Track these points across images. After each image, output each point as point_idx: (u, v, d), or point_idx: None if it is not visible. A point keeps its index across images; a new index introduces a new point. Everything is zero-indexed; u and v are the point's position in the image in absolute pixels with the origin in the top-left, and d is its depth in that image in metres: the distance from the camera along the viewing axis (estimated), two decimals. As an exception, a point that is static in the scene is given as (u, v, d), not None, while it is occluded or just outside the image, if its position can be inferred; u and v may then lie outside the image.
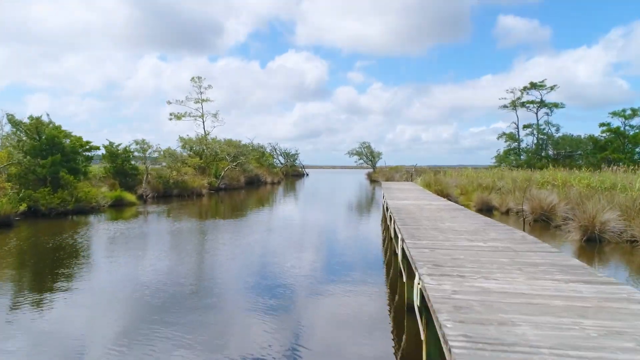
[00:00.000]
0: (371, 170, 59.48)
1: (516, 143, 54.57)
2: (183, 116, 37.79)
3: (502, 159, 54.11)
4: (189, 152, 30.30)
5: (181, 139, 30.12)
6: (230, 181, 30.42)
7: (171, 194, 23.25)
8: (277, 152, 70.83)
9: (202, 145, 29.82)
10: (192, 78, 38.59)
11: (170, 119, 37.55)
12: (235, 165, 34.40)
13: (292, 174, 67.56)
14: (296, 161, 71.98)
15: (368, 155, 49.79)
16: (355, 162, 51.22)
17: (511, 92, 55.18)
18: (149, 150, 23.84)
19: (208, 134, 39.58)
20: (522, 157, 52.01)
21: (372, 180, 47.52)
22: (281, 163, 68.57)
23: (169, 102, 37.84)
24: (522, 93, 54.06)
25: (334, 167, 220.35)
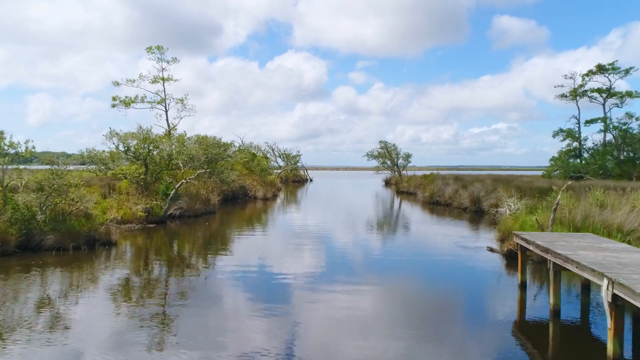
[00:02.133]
0: (390, 174, 46.86)
1: (576, 142, 42.30)
2: (133, 102, 25.51)
3: (560, 162, 41.83)
4: (126, 152, 17.89)
5: (112, 132, 17.70)
6: (192, 202, 18.16)
7: (39, 246, 10.90)
8: (276, 153, 58.51)
9: (145, 145, 17.50)
10: (149, 48, 26.30)
11: (115, 106, 25.31)
12: (209, 176, 22.15)
13: (293, 180, 55.20)
14: (298, 163, 59.66)
15: (393, 157, 37.55)
16: (378, 166, 38.71)
17: (570, 77, 42.90)
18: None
19: (174, 128, 27.32)
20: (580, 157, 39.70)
21: (399, 190, 35.24)
22: (280, 166, 56.27)
23: (117, 84, 25.73)
24: (586, 79, 41.81)
25: (336, 169, 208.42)
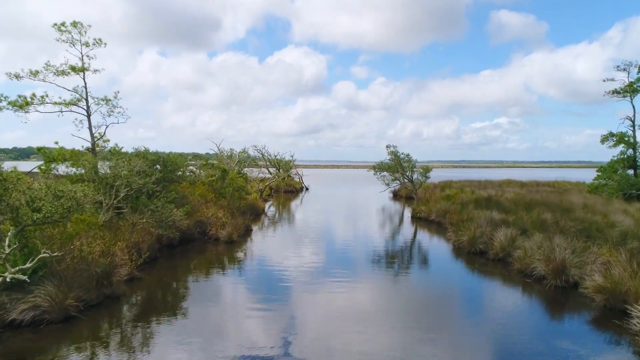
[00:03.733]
0: (397, 184, 38.51)
1: (631, 149, 33.84)
2: (31, 103, 17.12)
3: (611, 172, 33.60)
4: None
5: None
6: (66, 289, 9.76)
7: None
8: (266, 158, 50.19)
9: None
10: (60, 24, 17.84)
11: (3, 109, 16.92)
12: (140, 216, 13.96)
13: (285, 190, 46.80)
14: (291, 170, 51.29)
15: (406, 171, 28.58)
16: (388, 181, 29.49)
17: (624, 69, 34.35)
18: None
19: (100, 137, 18.93)
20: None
21: (416, 215, 26.72)
22: (270, 173, 47.90)
23: (17, 77, 17.31)
24: (644, 71, 33.21)
25: (337, 166, 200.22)
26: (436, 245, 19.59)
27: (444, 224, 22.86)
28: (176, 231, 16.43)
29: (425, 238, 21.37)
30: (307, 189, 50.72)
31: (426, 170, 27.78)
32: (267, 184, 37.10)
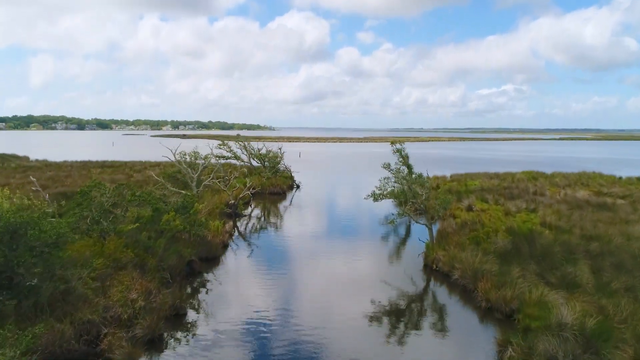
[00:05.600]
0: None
1: None
2: None
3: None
4: None
5: None
6: None
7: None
8: (248, 152, 42.20)
9: None
10: None
11: None
12: None
13: (270, 192, 38.93)
14: (279, 165, 43.27)
15: (419, 199, 20.09)
16: (394, 217, 20.88)
17: None
18: None
19: None
20: None
21: (431, 264, 18.46)
22: (253, 167, 40.09)
23: None
24: None
25: (340, 140, 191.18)
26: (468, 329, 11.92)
27: (476, 295, 15.11)
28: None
29: (447, 339, 13.54)
30: (297, 187, 42.87)
31: (445, 200, 19.68)
32: (240, 194, 29.24)
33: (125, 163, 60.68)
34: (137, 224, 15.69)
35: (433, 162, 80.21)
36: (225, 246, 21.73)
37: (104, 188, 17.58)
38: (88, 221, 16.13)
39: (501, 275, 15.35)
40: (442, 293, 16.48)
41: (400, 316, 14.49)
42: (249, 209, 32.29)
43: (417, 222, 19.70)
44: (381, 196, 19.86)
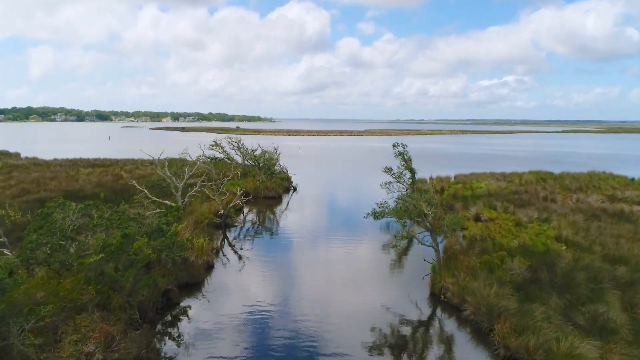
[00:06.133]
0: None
1: None
2: None
3: None
4: None
5: None
6: None
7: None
8: (242, 153, 40.06)
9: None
10: None
11: None
12: None
13: (264, 196, 36.74)
14: (275, 167, 41.08)
15: (426, 219, 17.87)
16: (396, 240, 18.70)
17: None
18: None
19: None
20: None
21: (438, 294, 16.25)
22: (245, 166, 38.00)
23: None
24: None
25: (342, 133, 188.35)
26: None
27: (492, 339, 13.01)
28: None
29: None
30: (295, 189, 40.72)
31: (454, 221, 17.45)
32: (230, 204, 27.09)
33: (117, 161, 58.50)
34: (101, 255, 13.55)
35: (435, 158, 77.96)
36: (210, 267, 19.64)
37: (68, 209, 15.43)
38: (47, 249, 13.99)
39: (521, 316, 13.23)
40: (451, 331, 14.38)
41: (405, 366, 12.38)
42: (242, 216, 30.19)
43: (422, 243, 17.50)
44: (382, 214, 17.62)
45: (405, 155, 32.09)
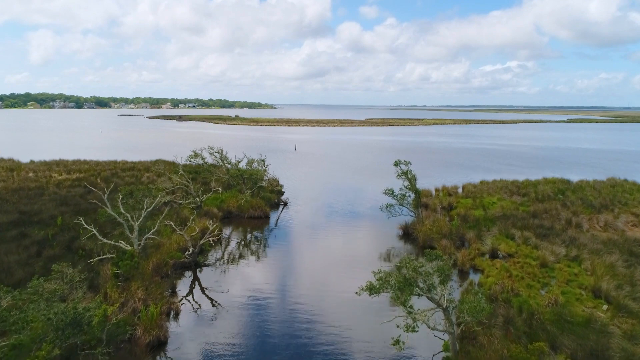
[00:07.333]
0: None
1: None
2: None
3: None
4: None
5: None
6: None
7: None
8: (224, 164, 35.67)
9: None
10: None
11: None
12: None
13: (249, 216, 32.28)
14: (264, 178, 36.56)
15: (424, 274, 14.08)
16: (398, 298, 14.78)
17: None
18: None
19: None
20: None
21: None
22: (227, 178, 33.63)
23: None
24: None
25: (344, 123, 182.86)
26: None
27: None
28: None
29: None
30: (285, 204, 36.30)
31: (477, 308, 13.07)
32: (203, 240, 22.70)
33: (98, 163, 54.13)
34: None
35: (439, 155, 73.07)
36: (162, 344, 15.34)
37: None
38: None
39: None
40: None
41: None
42: (220, 249, 25.87)
43: (433, 328, 13.14)
44: (381, 289, 13.23)
45: (409, 175, 27.61)
